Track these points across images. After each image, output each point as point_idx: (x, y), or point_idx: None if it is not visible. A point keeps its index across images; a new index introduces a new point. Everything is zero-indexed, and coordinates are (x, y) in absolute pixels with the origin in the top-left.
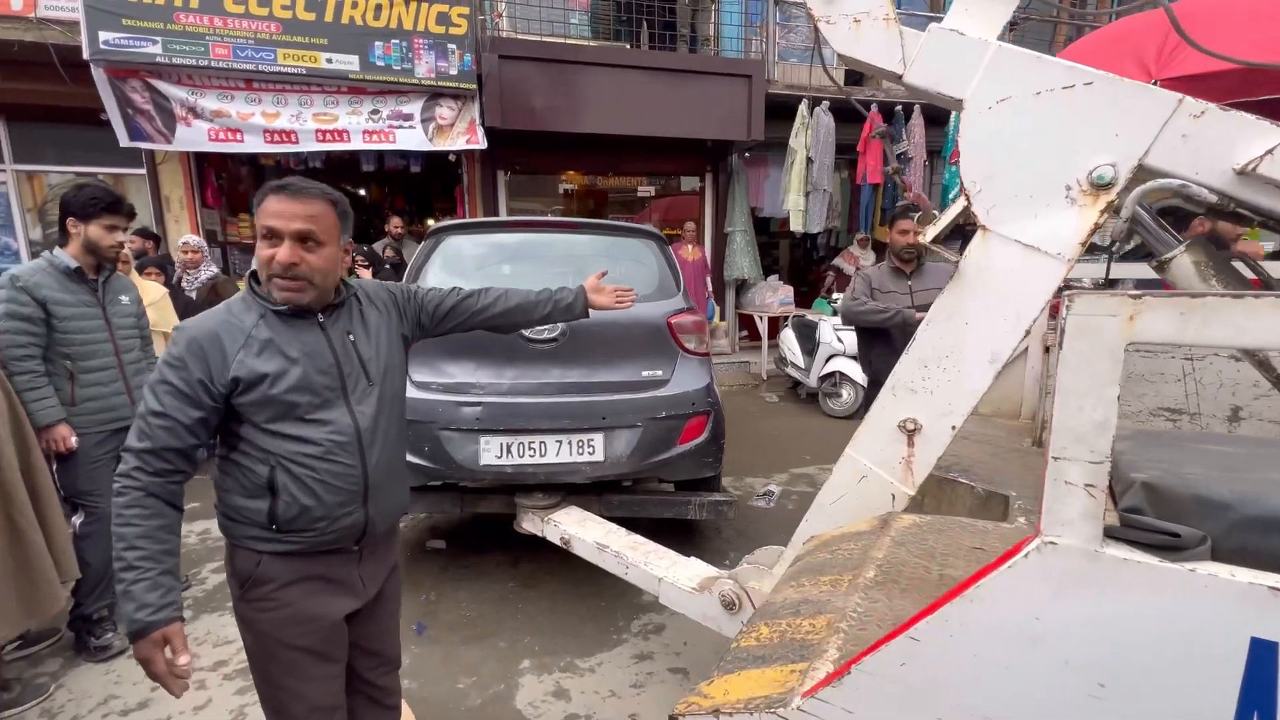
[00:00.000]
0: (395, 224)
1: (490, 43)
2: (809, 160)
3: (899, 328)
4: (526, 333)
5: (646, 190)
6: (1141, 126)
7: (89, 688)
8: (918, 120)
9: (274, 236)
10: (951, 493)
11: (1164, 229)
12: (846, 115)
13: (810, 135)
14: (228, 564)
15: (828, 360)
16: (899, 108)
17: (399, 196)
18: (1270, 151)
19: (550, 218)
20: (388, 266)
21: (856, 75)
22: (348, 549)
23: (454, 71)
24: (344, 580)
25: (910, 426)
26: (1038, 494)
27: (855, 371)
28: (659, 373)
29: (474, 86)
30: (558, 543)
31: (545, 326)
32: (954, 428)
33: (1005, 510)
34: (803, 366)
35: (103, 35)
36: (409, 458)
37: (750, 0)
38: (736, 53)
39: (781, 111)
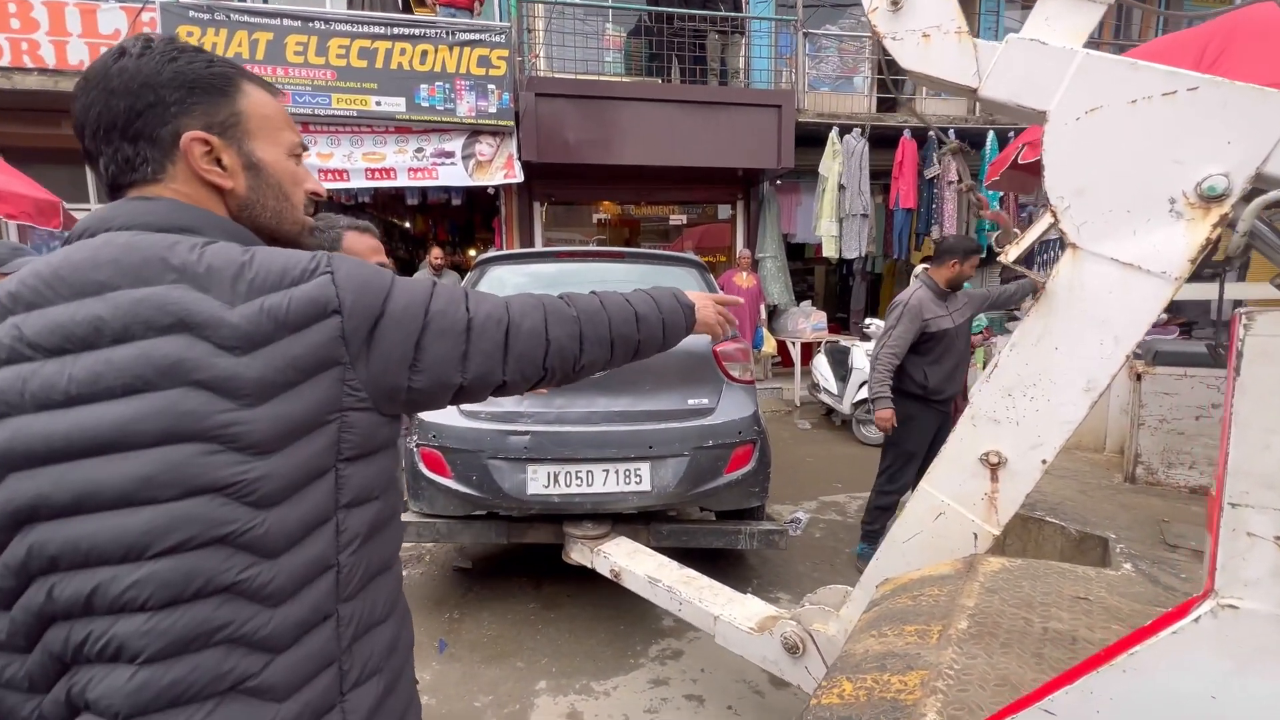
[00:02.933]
0: (436, 255)
1: (527, 82)
2: (840, 187)
3: (954, 347)
4: None
5: (679, 219)
6: (1258, 132)
7: None
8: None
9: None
10: (1039, 533)
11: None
12: (878, 141)
13: (841, 162)
14: None
15: (860, 386)
16: (931, 133)
17: (441, 227)
18: None
19: (591, 247)
20: None
21: (889, 102)
22: None
23: (493, 110)
24: None
25: (994, 460)
26: (1208, 546)
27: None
28: (705, 401)
29: (512, 124)
30: (607, 575)
31: None
32: (1045, 462)
33: (1104, 554)
34: (835, 393)
35: None
36: (456, 486)
37: (780, 33)
38: (766, 84)
39: (812, 139)
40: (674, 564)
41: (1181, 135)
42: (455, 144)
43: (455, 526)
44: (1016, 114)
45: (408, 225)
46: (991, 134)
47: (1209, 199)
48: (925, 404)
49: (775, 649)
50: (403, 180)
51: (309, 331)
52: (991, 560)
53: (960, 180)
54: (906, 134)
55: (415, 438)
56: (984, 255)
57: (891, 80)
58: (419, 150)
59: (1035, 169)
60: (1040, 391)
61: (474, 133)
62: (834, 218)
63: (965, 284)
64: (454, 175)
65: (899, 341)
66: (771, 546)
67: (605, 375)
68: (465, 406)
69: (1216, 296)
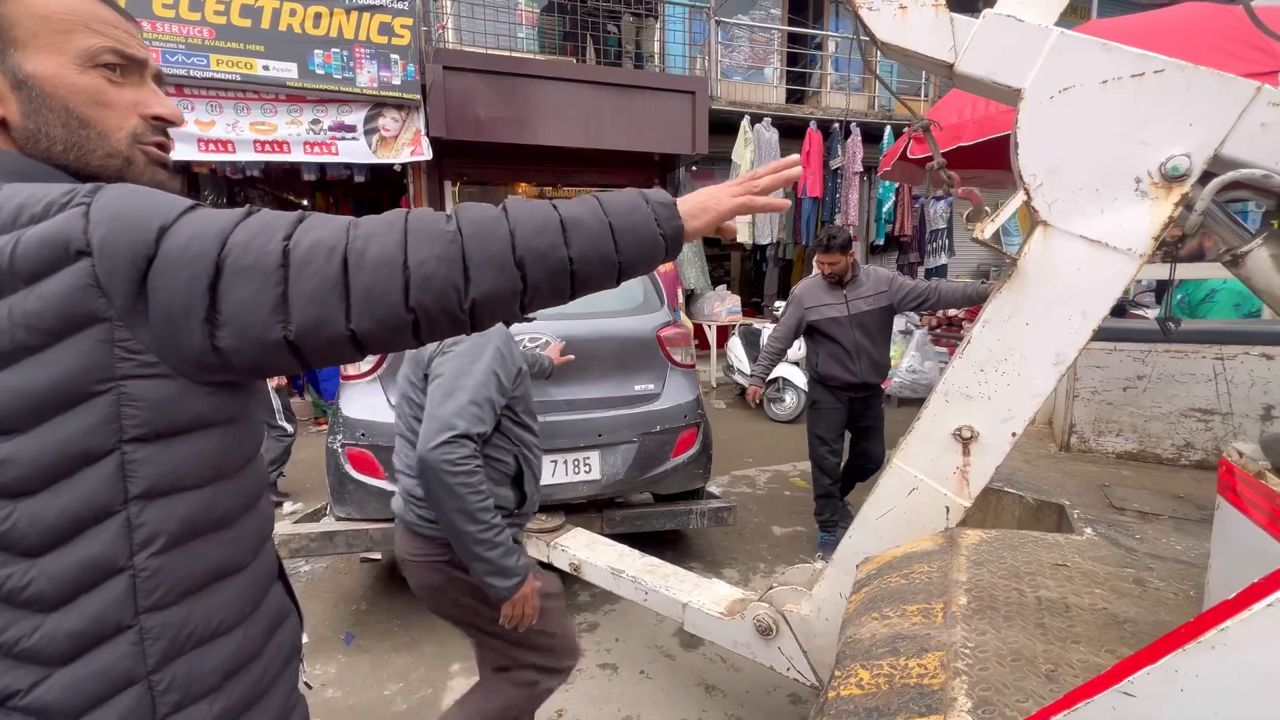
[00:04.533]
0: None
1: (434, 54)
2: None
3: (841, 336)
4: None
5: None
6: (1218, 115)
7: None
8: (855, 137)
9: None
10: (998, 503)
11: (1237, 223)
12: (786, 131)
13: (753, 150)
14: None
15: None
16: (836, 125)
17: (344, 206)
18: None
19: None
20: None
21: (798, 94)
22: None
23: (397, 81)
24: None
25: (966, 434)
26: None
27: (798, 378)
28: (650, 386)
29: (418, 97)
30: (565, 569)
31: (539, 343)
32: (1014, 434)
33: (1059, 520)
34: (748, 374)
35: None
36: (392, 487)
37: (694, 20)
38: (681, 70)
39: (725, 127)
40: (635, 553)
41: (1147, 116)
42: (356, 117)
43: (390, 532)
44: (991, 91)
45: (306, 204)
46: (889, 127)
47: (1171, 179)
48: (827, 390)
49: (747, 632)
50: (298, 155)
51: (48, 282)
52: (969, 533)
53: (934, 158)
54: (813, 125)
55: (340, 437)
56: (849, 246)
57: (800, 73)
58: (315, 122)
59: (923, 163)
60: (1011, 366)
61: (377, 105)
62: None
63: (852, 272)
64: (356, 151)
65: (781, 327)
66: (721, 524)
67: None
68: (397, 400)
69: (1169, 274)
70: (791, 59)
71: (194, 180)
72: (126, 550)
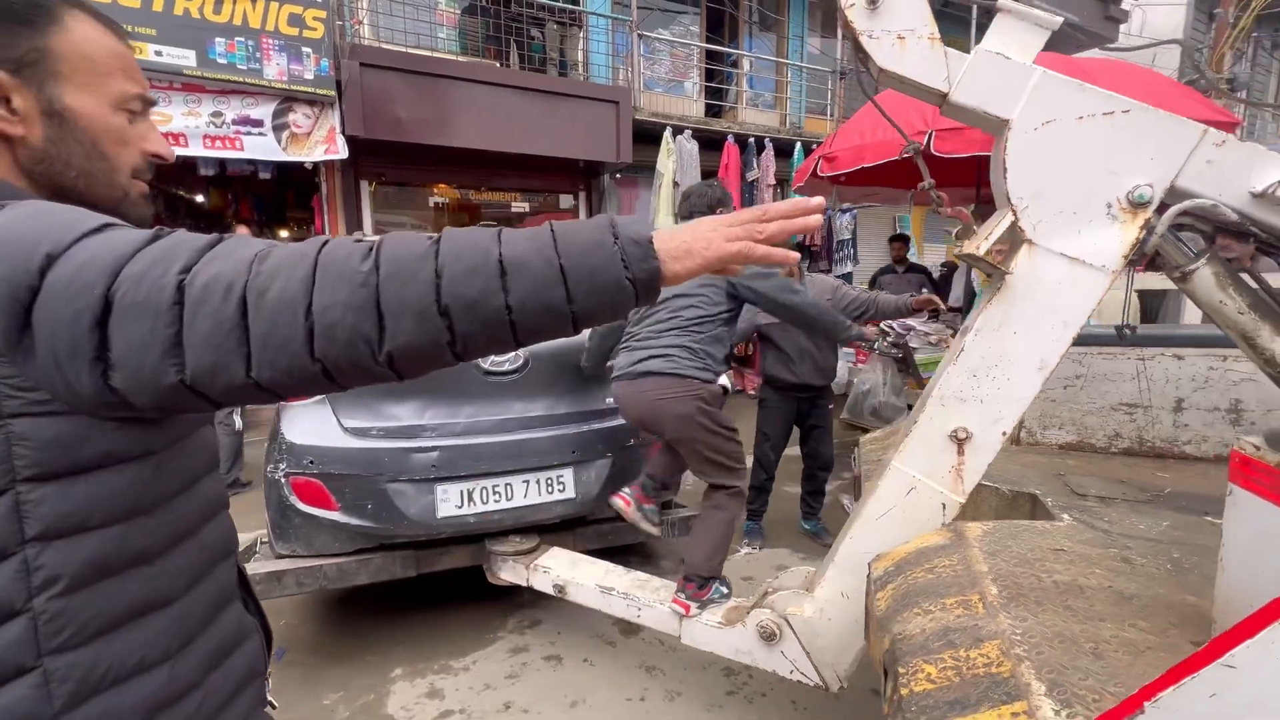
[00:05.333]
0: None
1: (350, 49)
2: (675, 184)
3: (787, 339)
4: (484, 364)
5: (521, 206)
6: (1174, 152)
7: None
8: (769, 152)
9: None
10: (976, 496)
11: (1182, 245)
12: (706, 143)
13: (675, 160)
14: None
15: None
16: (751, 140)
17: (244, 203)
18: None
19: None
20: None
21: (716, 108)
22: None
23: (310, 76)
24: None
25: (961, 435)
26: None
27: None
28: None
29: (333, 93)
30: (549, 591)
31: (506, 356)
32: (1004, 434)
33: (1033, 508)
34: None
35: None
36: (345, 519)
37: (616, 32)
38: (605, 79)
39: (648, 137)
40: (619, 568)
41: (1116, 150)
42: (264, 111)
43: (348, 567)
44: (981, 120)
45: (200, 199)
46: (799, 144)
47: (1137, 205)
48: (775, 390)
49: (749, 639)
50: (198, 149)
51: None
52: (970, 526)
53: (925, 179)
54: (730, 139)
55: (283, 465)
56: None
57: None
58: (216, 115)
59: (833, 180)
60: (1001, 372)
61: (287, 100)
62: (671, 213)
63: (804, 279)
64: (264, 147)
65: (736, 334)
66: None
67: (521, 378)
68: (350, 423)
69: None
70: (709, 74)
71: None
72: (24, 593)
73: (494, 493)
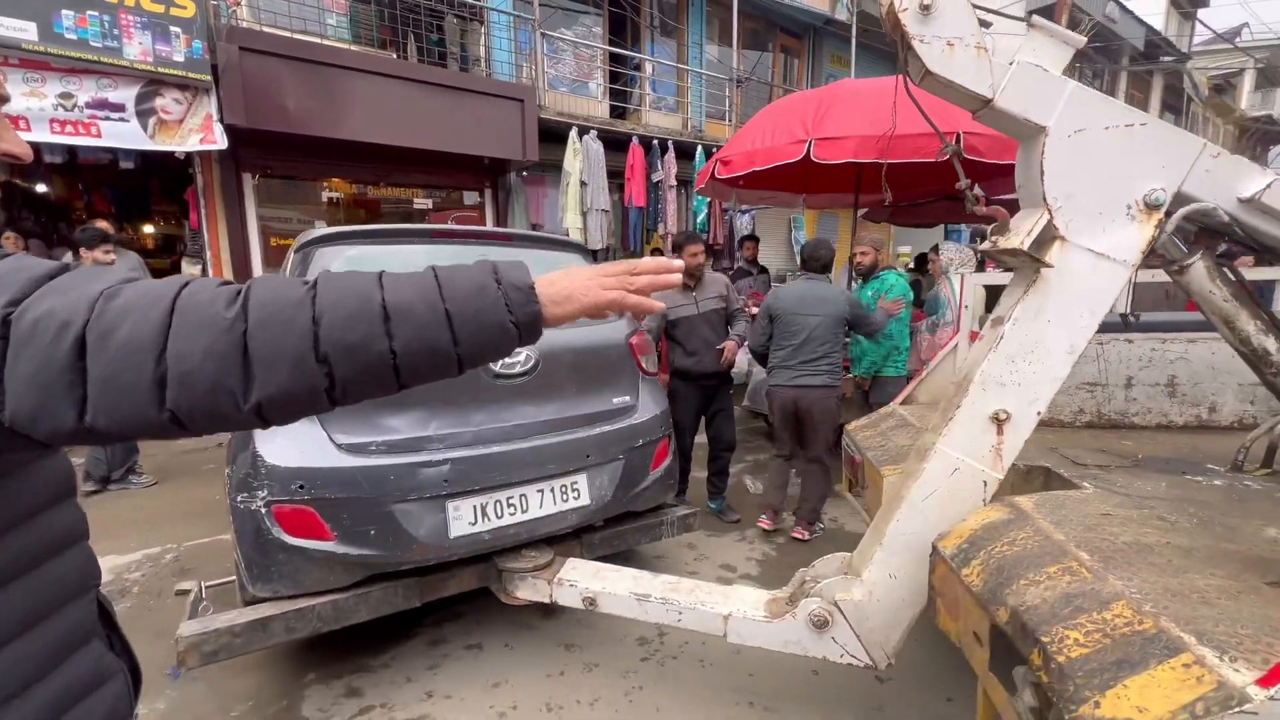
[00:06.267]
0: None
1: (228, 31)
2: (583, 183)
3: (692, 332)
4: (494, 366)
5: (424, 203)
6: (1181, 161)
7: None
8: (671, 154)
9: None
10: None
11: (1178, 243)
12: (612, 144)
13: (581, 160)
14: None
15: None
16: (655, 142)
17: (98, 195)
18: (1269, 186)
19: (457, 226)
20: None
21: (620, 110)
22: None
23: (180, 58)
24: None
25: (1001, 416)
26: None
27: None
28: (627, 398)
29: (208, 78)
30: (576, 605)
31: (519, 358)
32: (1039, 413)
33: (1047, 480)
34: None
35: None
36: (344, 549)
37: (518, 29)
38: (509, 77)
39: (554, 136)
40: (646, 574)
41: (1134, 157)
42: (125, 94)
43: (345, 604)
44: (1019, 126)
45: (42, 189)
46: (699, 146)
47: (1152, 207)
48: (683, 380)
49: (799, 629)
50: (43, 134)
51: None
52: (1020, 500)
53: (959, 180)
54: (635, 140)
55: (262, 493)
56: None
57: (621, 90)
58: (66, 96)
59: (731, 183)
60: (1037, 356)
61: (153, 83)
62: (579, 211)
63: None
64: (126, 134)
65: (645, 325)
66: (689, 530)
67: (531, 380)
68: (346, 439)
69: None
70: (613, 77)
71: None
72: None
73: (509, 505)
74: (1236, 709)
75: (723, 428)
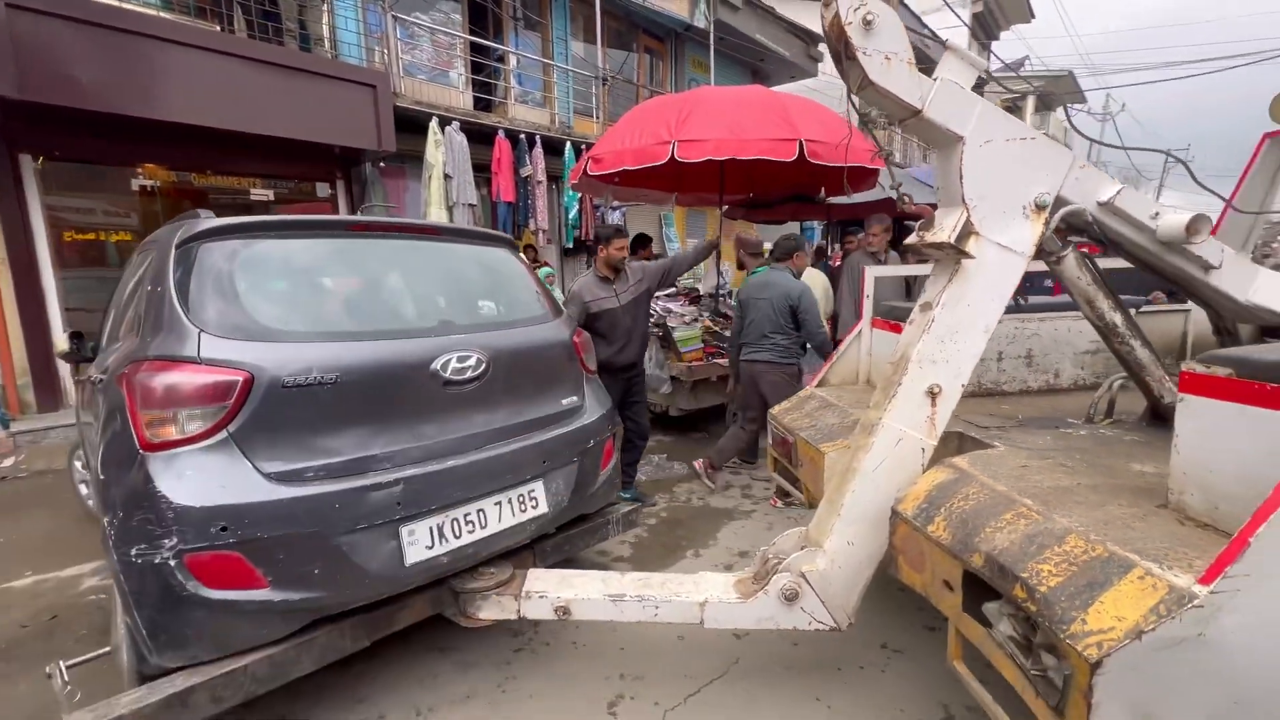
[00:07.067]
0: None
1: None
2: (447, 176)
3: (616, 324)
4: (445, 374)
5: (263, 193)
6: (1059, 169)
7: None
8: (539, 149)
9: None
10: None
11: (1055, 239)
12: (478, 137)
13: (444, 152)
14: None
15: None
16: (523, 136)
17: None
18: (1118, 192)
19: (367, 218)
20: None
21: (486, 102)
22: None
23: None
24: None
25: (935, 390)
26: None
27: None
28: (575, 399)
29: None
30: (549, 617)
31: (470, 363)
32: (963, 385)
33: (960, 443)
34: None
35: None
36: (280, 596)
37: (367, 10)
38: (358, 60)
39: (414, 126)
40: (613, 574)
41: (1027, 166)
42: None
43: (283, 657)
44: (941, 135)
45: None
46: (569, 143)
47: (1040, 207)
48: (607, 373)
49: (772, 605)
50: None
51: None
52: (957, 460)
53: (896, 183)
54: (501, 134)
55: (170, 542)
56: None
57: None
58: None
59: (605, 179)
60: (961, 336)
61: None
62: (443, 205)
63: (625, 268)
64: None
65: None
66: (633, 526)
67: (482, 385)
68: (272, 465)
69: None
70: (476, 68)
71: None
72: None
73: (466, 523)
74: (1190, 605)
75: (639, 416)
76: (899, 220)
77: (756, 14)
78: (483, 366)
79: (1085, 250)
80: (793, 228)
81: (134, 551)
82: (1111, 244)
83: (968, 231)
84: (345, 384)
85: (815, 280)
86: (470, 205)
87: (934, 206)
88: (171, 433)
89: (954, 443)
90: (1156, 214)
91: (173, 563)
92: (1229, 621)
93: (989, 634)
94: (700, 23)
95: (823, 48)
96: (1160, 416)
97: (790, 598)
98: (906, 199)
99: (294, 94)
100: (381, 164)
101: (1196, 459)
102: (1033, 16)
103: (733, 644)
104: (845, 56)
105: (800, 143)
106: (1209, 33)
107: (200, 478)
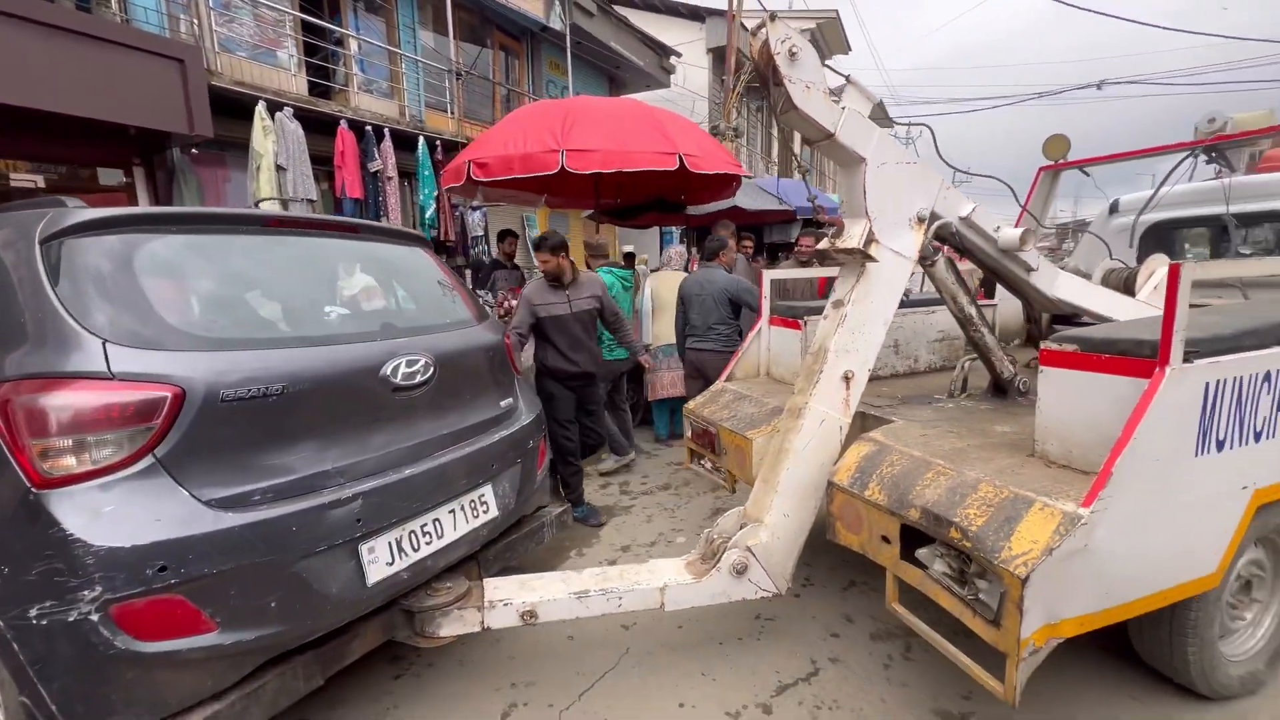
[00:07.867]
0: None
1: None
2: (279, 167)
3: (565, 331)
4: (395, 379)
5: (29, 179)
6: (932, 189)
7: None
8: (388, 143)
9: None
10: None
11: (930, 246)
12: (316, 126)
13: (275, 140)
14: None
15: None
16: (369, 128)
17: None
18: (974, 209)
19: (296, 215)
20: None
21: (323, 88)
22: None
23: None
24: None
25: (849, 375)
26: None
27: None
28: (510, 400)
29: None
30: (515, 624)
31: (418, 367)
32: (870, 371)
33: (863, 421)
34: None
35: None
36: (231, 638)
37: None
38: (159, 29)
39: (237, 109)
40: (570, 572)
41: (910, 186)
42: None
43: (232, 710)
44: (848, 156)
45: None
46: (421, 138)
47: (921, 220)
48: (556, 381)
49: (724, 580)
50: None
51: None
52: (874, 434)
53: (813, 199)
54: (344, 125)
55: (94, 594)
56: (561, 248)
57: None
58: None
59: (494, 185)
60: (867, 328)
61: None
62: (277, 199)
63: (574, 273)
64: None
65: (516, 323)
66: (564, 527)
67: (429, 390)
68: (212, 491)
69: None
70: (312, 50)
71: None
72: None
73: (424, 534)
74: (1080, 524)
75: (596, 424)
76: (756, 229)
77: (611, 22)
78: (431, 370)
79: (949, 256)
80: (653, 233)
81: (33, 613)
82: (966, 251)
83: (871, 239)
84: (294, 395)
85: (673, 282)
86: (310, 200)
87: (775, 211)
88: (73, 464)
89: (859, 421)
90: (998, 227)
91: (95, 617)
92: (1101, 533)
93: (925, 575)
94: (556, 25)
95: (675, 60)
96: (1001, 389)
97: (740, 571)
98: (820, 208)
99: (71, 62)
100: (194, 150)
101: (1054, 415)
102: (850, 49)
103: (621, 635)
104: (773, 82)
105: (680, 155)
106: (984, 76)
107: (124, 513)
